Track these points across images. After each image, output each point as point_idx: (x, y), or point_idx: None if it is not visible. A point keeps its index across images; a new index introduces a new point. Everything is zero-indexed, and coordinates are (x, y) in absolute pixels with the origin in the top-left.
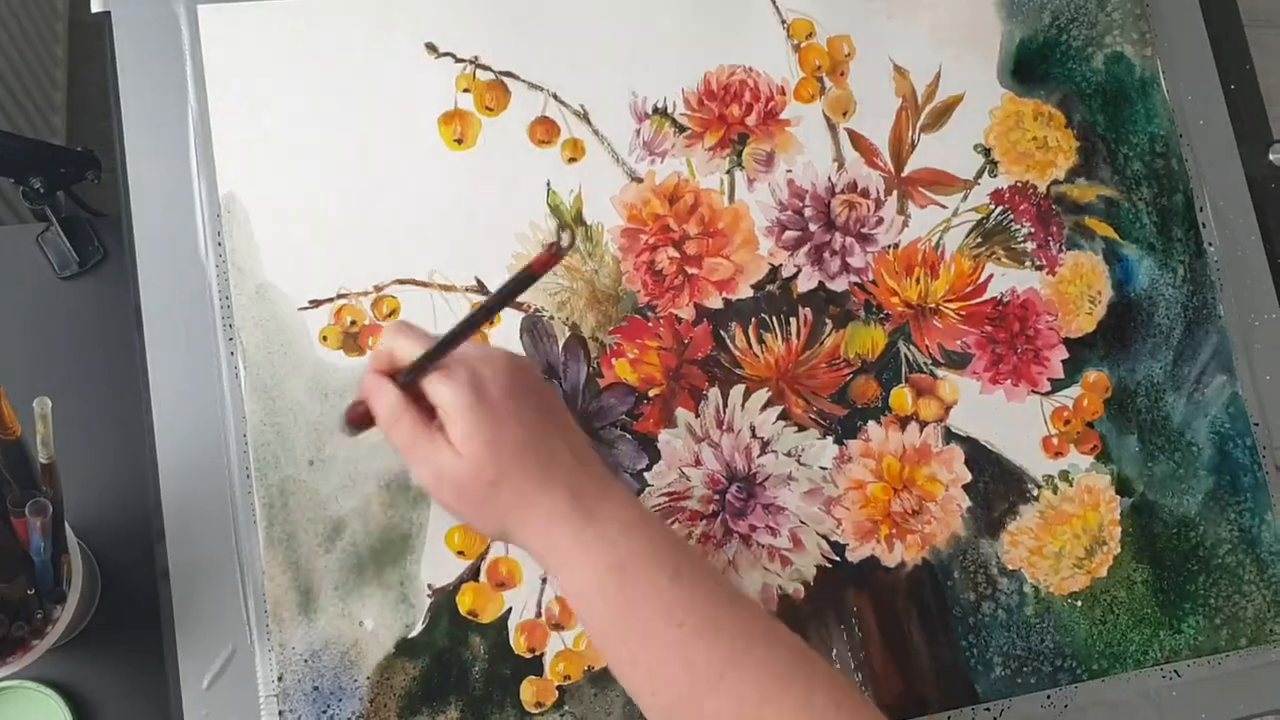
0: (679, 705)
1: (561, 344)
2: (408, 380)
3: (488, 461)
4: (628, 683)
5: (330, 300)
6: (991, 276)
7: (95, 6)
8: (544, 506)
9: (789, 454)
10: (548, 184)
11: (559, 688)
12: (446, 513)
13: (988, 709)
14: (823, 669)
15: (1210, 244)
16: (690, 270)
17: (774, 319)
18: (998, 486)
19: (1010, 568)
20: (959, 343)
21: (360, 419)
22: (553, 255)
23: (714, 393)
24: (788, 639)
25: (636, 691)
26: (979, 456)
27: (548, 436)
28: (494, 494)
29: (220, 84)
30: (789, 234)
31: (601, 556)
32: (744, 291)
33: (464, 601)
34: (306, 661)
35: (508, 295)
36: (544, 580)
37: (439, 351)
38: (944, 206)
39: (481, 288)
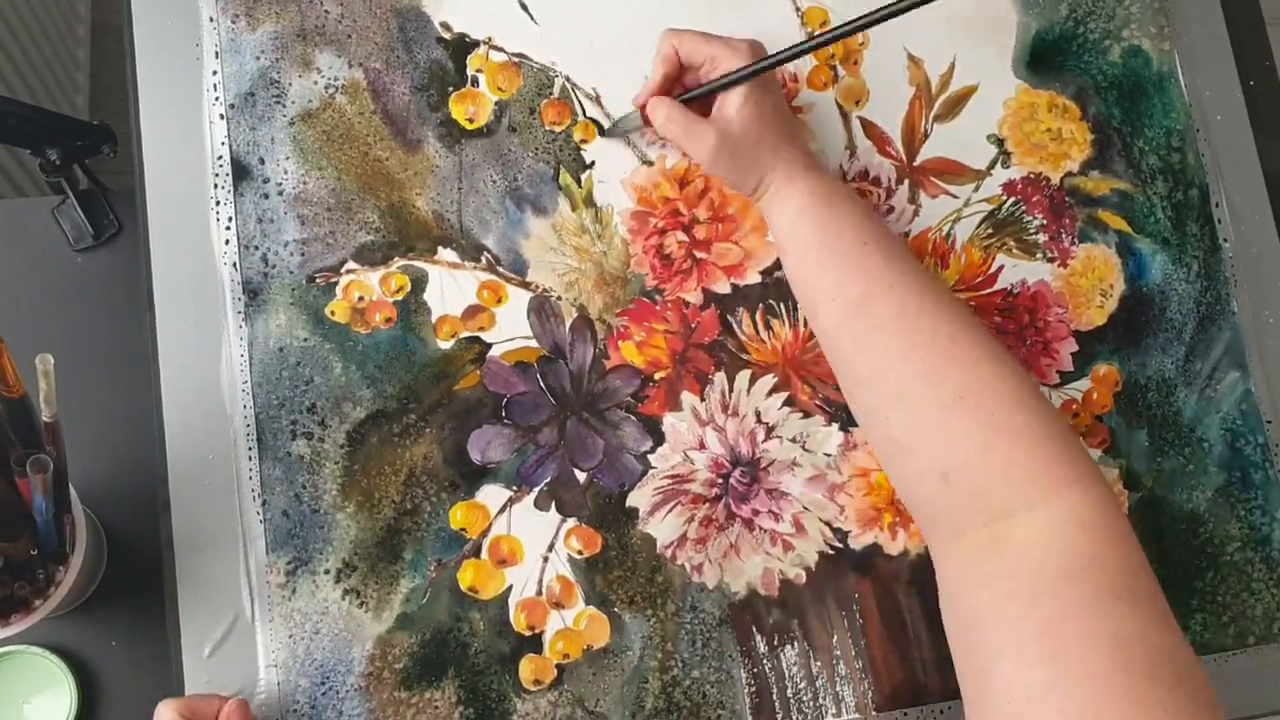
0: (854, 306)
1: (569, 325)
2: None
3: (754, 121)
4: (812, 291)
5: (339, 275)
6: (1002, 268)
7: None
8: (789, 153)
9: (794, 440)
10: (559, 164)
11: (558, 666)
12: (716, 177)
13: None
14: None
15: (1225, 240)
16: (699, 255)
17: (781, 305)
18: None
19: None
20: None
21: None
22: None
23: (720, 377)
24: (943, 284)
25: (818, 300)
26: None
27: (787, 107)
28: (757, 150)
29: (237, 59)
30: None
31: (820, 187)
32: (752, 277)
33: (465, 578)
34: (307, 633)
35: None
36: (545, 559)
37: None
38: (955, 196)
39: (491, 266)
